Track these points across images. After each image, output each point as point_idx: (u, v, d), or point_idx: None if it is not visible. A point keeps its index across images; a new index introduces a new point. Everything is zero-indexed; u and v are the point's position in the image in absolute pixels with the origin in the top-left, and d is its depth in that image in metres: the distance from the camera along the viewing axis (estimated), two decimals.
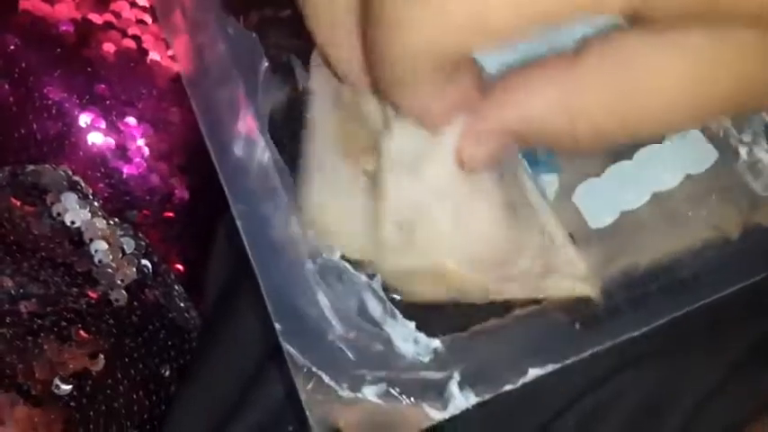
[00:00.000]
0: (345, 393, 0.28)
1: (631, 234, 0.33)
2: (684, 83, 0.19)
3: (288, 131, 0.35)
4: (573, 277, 0.30)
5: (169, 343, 0.44)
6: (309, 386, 0.28)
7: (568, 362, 0.28)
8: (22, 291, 0.39)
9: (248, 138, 0.31)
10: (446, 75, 0.21)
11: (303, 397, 0.28)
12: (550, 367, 0.28)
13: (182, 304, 0.47)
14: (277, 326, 0.28)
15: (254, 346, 0.42)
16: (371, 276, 0.33)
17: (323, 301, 0.29)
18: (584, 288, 0.30)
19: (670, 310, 0.29)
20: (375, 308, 0.30)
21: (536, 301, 0.32)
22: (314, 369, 0.28)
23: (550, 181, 0.33)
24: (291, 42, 0.39)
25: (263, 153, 0.31)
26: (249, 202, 0.30)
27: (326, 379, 0.28)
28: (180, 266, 0.52)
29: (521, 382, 0.28)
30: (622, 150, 0.34)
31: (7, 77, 0.49)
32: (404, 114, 0.25)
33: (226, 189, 0.30)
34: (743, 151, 0.33)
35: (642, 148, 0.33)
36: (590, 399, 0.32)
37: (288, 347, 0.28)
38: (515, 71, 0.22)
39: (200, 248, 0.51)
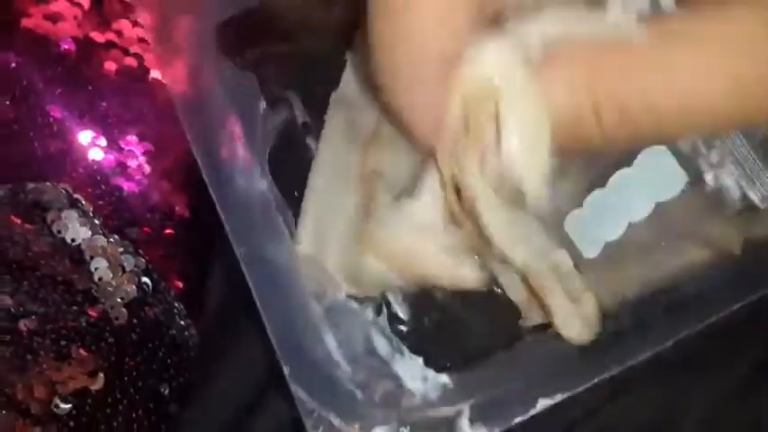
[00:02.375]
0: None
1: (629, 258, 0.33)
2: (727, 83, 0.19)
3: (288, 168, 0.35)
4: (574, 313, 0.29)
5: (168, 361, 0.44)
6: (320, 430, 0.27)
7: (578, 390, 0.28)
8: (21, 309, 0.39)
9: (248, 177, 0.31)
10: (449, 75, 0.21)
11: None
12: (559, 397, 0.28)
13: (181, 322, 0.47)
14: (285, 369, 0.27)
15: (255, 368, 0.42)
16: (378, 312, 0.33)
17: (330, 342, 0.28)
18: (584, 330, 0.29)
19: (674, 332, 0.29)
20: (382, 346, 0.30)
21: (543, 327, 0.32)
22: (324, 413, 0.27)
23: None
24: (290, 78, 0.38)
25: (265, 193, 0.31)
26: (252, 244, 0.29)
27: (336, 422, 0.27)
28: (179, 283, 0.52)
29: (530, 413, 0.28)
30: (595, 178, 0.34)
31: (9, 95, 0.49)
32: (402, 119, 0.25)
33: (228, 231, 0.30)
34: (708, 177, 0.33)
35: (614, 175, 0.33)
36: (596, 419, 0.32)
37: (297, 390, 0.27)
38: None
39: (200, 266, 0.51)
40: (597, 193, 0.32)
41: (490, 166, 0.24)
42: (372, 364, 0.29)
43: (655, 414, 0.33)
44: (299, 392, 0.27)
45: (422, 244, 0.29)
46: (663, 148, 0.32)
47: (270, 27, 0.39)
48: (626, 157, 0.32)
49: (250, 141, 0.32)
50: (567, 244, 0.33)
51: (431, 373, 0.29)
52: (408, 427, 0.27)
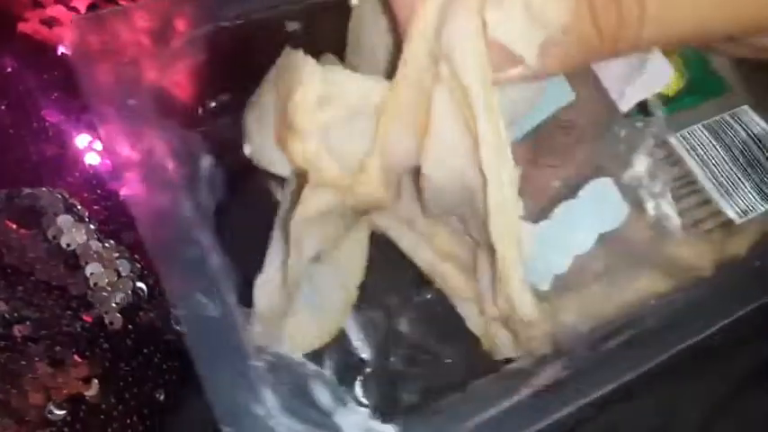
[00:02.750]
0: None
1: (586, 283, 0.32)
2: None
3: (234, 228, 0.34)
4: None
5: (164, 367, 0.44)
6: None
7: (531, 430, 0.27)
8: (16, 314, 0.39)
9: (191, 234, 0.30)
10: None
11: None
12: None
13: (177, 327, 0.46)
14: (223, 429, 0.27)
15: None
16: (321, 364, 0.32)
17: (270, 399, 0.27)
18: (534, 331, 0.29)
19: (638, 364, 0.28)
20: (325, 397, 0.29)
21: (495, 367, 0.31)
22: None
23: None
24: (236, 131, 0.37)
25: (208, 252, 0.30)
26: (192, 304, 0.29)
27: None
28: None
29: None
30: (543, 209, 0.33)
31: (5, 99, 0.49)
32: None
33: (167, 291, 0.29)
34: (650, 206, 0.32)
35: (557, 207, 0.32)
36: (596, 423, 0.32)
37: None
38: None
39: None
40: (543, 224, 0.32)
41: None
42: (313, 417, 0.28)
43: (655, 418, 0.33)
44: None
45: None
46: (607, 179, 0.32)
47: (227, 77, 0.38)
48: (570, 191, 0.32)
49: (195, 203, 0.31)
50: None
51: (376, 424, 0.28)
52: None
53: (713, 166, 0.34)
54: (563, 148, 0.32)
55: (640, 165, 0.32)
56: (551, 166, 0.32)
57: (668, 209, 0.32)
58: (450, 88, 0.24)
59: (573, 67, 0.24)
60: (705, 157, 0.34)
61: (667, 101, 0.34)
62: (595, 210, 0.31)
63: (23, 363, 0.37)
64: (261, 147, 0.32)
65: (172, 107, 0.34)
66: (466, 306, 0.33)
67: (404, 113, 0.26)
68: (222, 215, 0.32)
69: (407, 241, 0.35)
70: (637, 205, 0.32)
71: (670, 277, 0.31)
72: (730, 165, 0.34)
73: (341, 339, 0.34)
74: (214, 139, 0.34)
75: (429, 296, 0.35)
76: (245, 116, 0.33)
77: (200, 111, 0.38)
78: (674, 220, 0.32)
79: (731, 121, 0.35)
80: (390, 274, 0.35)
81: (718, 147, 0.34)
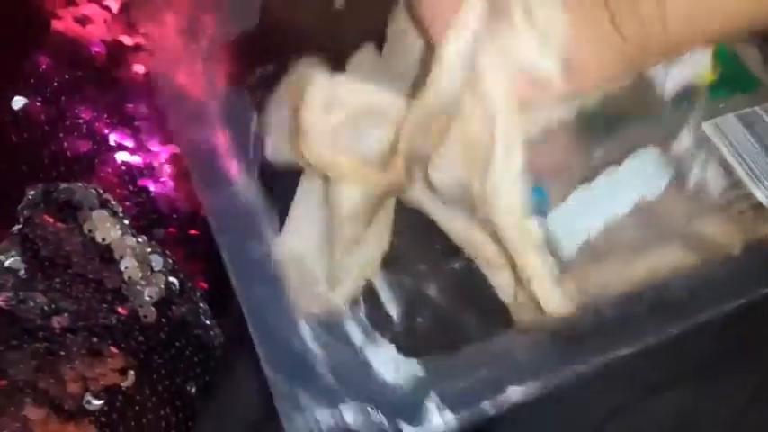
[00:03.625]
0: (323, 416, 0.28)
1: (613, 256, 0.33)
2: None
3: (278, 183, 0.36)
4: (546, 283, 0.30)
5: (195, 360, 0.45)
6: (290, 409, 0.28)
7: (552, 380, 0.28)
8: (54, 306, 0.40)
9: (239, 188, 0.32)
10: None
11: (283, 420, 0.28)
12: (531, 385, 0.28)
13: (207, 321, 0.47)
14: (259, 351, 0.28)
15: None
16: (353, 311, 0.33)
17: (302, 326, 0.29)
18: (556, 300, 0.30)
19: (660, 330, 0.29)
20: (356, 333, 0.31)
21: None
22: (294, 392, 0.28)
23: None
24: None
25: (254, 203, 0.32)
26: (236, 242, 0.30)
27: (306, 401, 0.28)
28: (204, 284, 0.53)
29: (499, 399, 0.28)
30: (589, 169, 0.34)
31: (39, 96, 0.50)
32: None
33: (214, 234, 0.31)
34: (693, 175, 0.33)
35: (602, 173, 0.33)
36: (622, 420, 0.33)
37: (269, 372, 0.28)
38: None
39: (224, 267, 0.52)
40: (583, 187, 0.33)
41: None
42: (344, 350, 0.29)
43: (682, 416, 0.33)
44: (271, 374, 0.28)
45: None
46: (653, 149, 0.32)
47: (267, 48, 0.40)
48: (617, 157, 0.33)
49: (241, 152, 0.33)
50: (550, 243, 0.33)
51: (401, 359, 0.29)
52: (375, 407, 0.28)
53: (744, 154, 0.34)
54: (606, 124, 0.33)
55: (687, 138, 0.33)
56: (594, 140, 0.33)
57: (712, 178, 0.33)
58: (474, 112, 0.26)
59: (604, 80, 0.25)
60: (737, 144, 0.34)
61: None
62: (637, 178, 0.32)
63: (62, 353, 0.38)
64: (280, 148, 0.33)
65: (221, 73, 0.36)
66: (497, 275, 0.34)
67: (427, 124, 0.27)
68: (266, 178, 0.34)
69: (438, 210, 0.36)
70: (679, 177, 0.33)
71: (698, 253, 0.31)
72: (762, 154, 0.34)
73: (370, 295, 0.36)
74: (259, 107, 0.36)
75: (457, 265, 0.35)
76: (265, 118, 0.34)
77: (245, 79, 0.39)
78: (714, 192, 0.33)
79: (762, 114, 0.35)
80: (419, 242, 0.36)
81: (749, 136, 0.35)
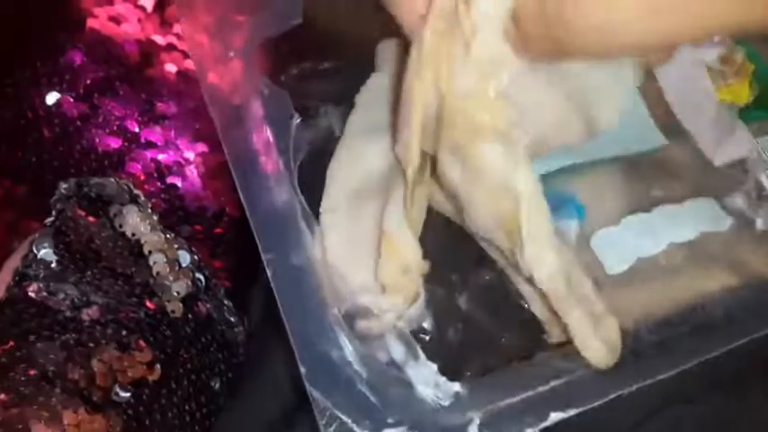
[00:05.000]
0: None
1: (655, 276, 0.33)
2: None
3: (316, 182, 0.36)
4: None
5: (219, 356, 0.45)
6: (332, 429, 0.28)
7: (591, 405, 0.28)
8: (84, 299, 0.40)
9: (279, 188, 0.32)
10: None
11: None
12: (572, 411, 0.28)
13: (231, 319, 0.47)
14: (302, 369, 0.28)
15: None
16: (397, 318, 0.34)
17: (346, 345, 0.29)
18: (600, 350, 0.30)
19: (699, 353, 0.29)
20: (398, 351, 0.31)
21: (559, 345, 0.32)
22: (336, 412, 0.28)
23: (571, 226, 0.34)
24: (328, 92, 0.40)
25: (292, 202, 0.32)
26: (277, 250, 0.31)
27: (348, 422, 0.28)
28: (227, 283, 0.53)
29: (541, 425, 0.28)
30: (641, 203, 0.35)
31: (72, 92, 0.51)
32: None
33: (256, 237, 0.31)
34: (759, 222, 0.34)
35: (660, 206, 0.34)
36: (648, 428, 0.33)
37: (311, 390, 0.28)
38: None
39: (247, 267, 0.52)
40: (639, 214, 0.33)
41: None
42: (386, 368, 0.30)
43: (706, 426, 0.34)
44: (313, 392, 0.28)
45: None
46: (710, 199, 0.34)
47: (309, 45, 0.41)
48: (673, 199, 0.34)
49: (281, 152, 0.33)
50: (591, 261, 0.33)
51: (443, 380, 0.30)
52: (417, 431, 0.28)
53: None
54: (663, 180, 0.35)
55: (740, 199, 0.34)
56: (652, 180, 0.34)
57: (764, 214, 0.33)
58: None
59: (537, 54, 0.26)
60: None
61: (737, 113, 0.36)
62: (698, 217, 0.33)
63: (92, 345, 0.39)
64: None
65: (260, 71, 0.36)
66: (529, 288, 0.34)
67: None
68: (305, 174, 0.34)
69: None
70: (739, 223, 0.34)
71: (738, 277, 0.32)
72: None
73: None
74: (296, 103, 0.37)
75: (488, 277, 0.36)
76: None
77: (282, 77, 0.40)
78: (759, 223, 0.33)
79: None
80: (452, 254, 0.36)
81: None
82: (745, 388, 0.34)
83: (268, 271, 0.30)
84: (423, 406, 0.29)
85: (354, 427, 0.28)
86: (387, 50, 0.40)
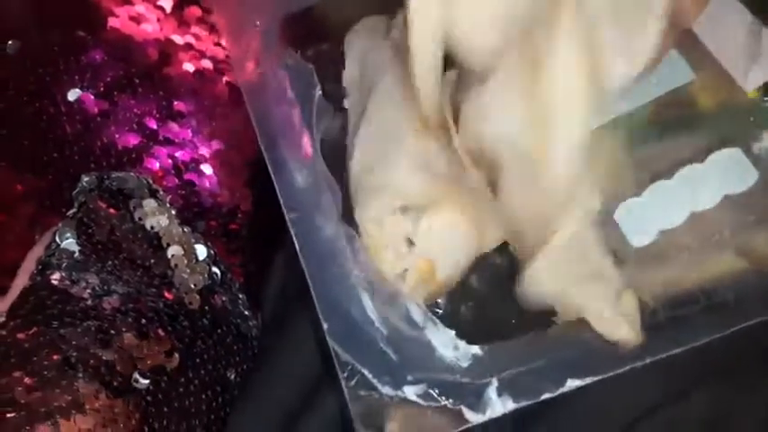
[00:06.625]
0: (386, 391, 0.29)
1: (673, 255, 0.34)
2: None
3: (338, 151, 0.37)
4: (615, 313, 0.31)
5: (235, 348, 0.46)
6: (353, 382, 0.29)
7: (608, 374, 0.29)
8: (105, 288, 0.41)
9: (303, 156, 0.34)
10: None
11: (346, 392, 0.29)
12: (589, 379, 0.29)
13: (246, 312, 0.48)
14: (324, 325, 0.29)
15: (312, 357, 0.43)
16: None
17: (368, 304, 0.30)
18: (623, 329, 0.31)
19: (711, 331, 0.30)
20: (417, 314, 0.32)
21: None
22: (357, 366, 0.29)
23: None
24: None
25: (316, 170, 0.33)
26: (302, 213, 0.32)
27: (369, 376, 0.29)
28: (240, 278, 0.54)
29: (559, 391, 0.29)
30: (663, 170, 0.35)
31: (93, 89, 0.52)
32: None
33: (281, 200, 0.33)
34: None
35: (683, 168, 0.34)
36: (662, 412, 0.33)
37: (333, 345, 0.29)
38: None
39: (261, 262, 0.53)
40: (662, 182, 0.34)
41: None
42: (406, 329, 0.30)
43: (719, 410, 0.34)
44: (335, 347, 0.29)
45: None
46: (736, 149, 0.34)
47: (326, 25, 0.42)
48: (696, 155, 0.34)
49: (305, 120, 0.35)
50: (614, 233, 0.34)
51: (462, 343, 0.30)
52: (437, 390, 0.29)
53: None
54: (687, 122, 0.35)
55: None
56: (676, 138, 0.34)
57: None
58: None
59: None
60: None
61: None
62: (723, 174, 0.33)
63: (113, 332, 0.40)
64: None
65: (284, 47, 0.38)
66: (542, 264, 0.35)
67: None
68: (328, 141, 0.35)
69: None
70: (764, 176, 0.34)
71: (750, 262, 0.33)
72: None
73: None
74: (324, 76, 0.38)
75: (499, 260, 0.37)
76: None
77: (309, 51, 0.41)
78: None
79: None
80: None
81: None
82: (750, 375, 0.35)
83: (291, 230, 0.31)
84: (442, 366, 0.30)
85: (375, 382, 0.29)
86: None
